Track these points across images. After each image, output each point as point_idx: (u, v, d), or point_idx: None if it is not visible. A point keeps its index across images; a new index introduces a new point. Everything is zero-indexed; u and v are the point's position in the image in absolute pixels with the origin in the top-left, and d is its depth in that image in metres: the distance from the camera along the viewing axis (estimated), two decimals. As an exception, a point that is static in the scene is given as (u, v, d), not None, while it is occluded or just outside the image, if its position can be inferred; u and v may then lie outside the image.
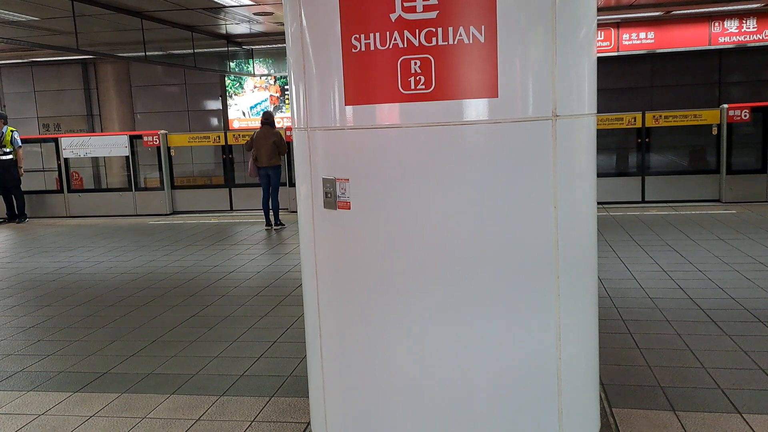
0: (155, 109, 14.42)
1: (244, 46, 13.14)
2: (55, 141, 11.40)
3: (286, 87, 13.94)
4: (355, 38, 2.29)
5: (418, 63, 2.18)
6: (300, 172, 2.66)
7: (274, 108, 13.82)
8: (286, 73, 13.80)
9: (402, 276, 2.36)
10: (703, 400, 3.38)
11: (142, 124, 14.35)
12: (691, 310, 4.86)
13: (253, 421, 3.38)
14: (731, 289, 5.29)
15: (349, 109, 2.37)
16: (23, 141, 11.04)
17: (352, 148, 2.40)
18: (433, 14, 2.14)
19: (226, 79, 14.07)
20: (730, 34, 12.39)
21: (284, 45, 11.38)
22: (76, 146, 11.36)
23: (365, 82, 2.30)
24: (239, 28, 11.78)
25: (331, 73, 2.39)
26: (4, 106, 14.38)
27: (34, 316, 5.51)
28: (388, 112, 2.30)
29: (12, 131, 10.82)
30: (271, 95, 14.00)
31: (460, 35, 2.14)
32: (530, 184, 2.26)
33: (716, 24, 12.22)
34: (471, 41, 2.14)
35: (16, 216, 10.98)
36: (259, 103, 14.03)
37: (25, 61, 13.89)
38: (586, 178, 2.43)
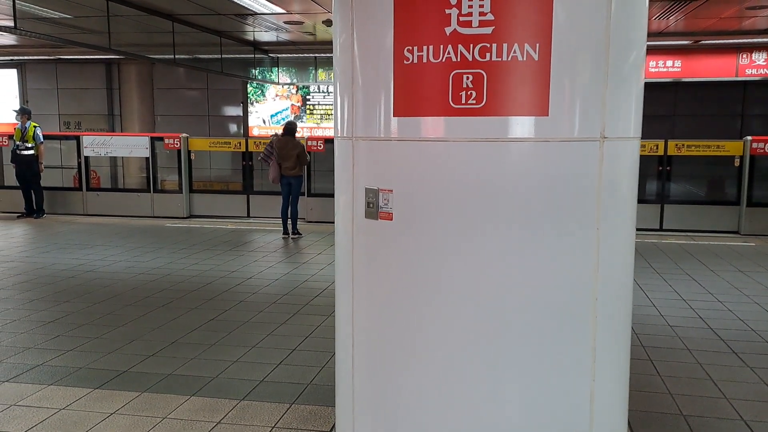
0: (176, 112, 14.54)
1: (270, 54, 13.25)
2: (77, 139, 11.51)
3: (307, 97, 14.04)
4: (408, 50, 2.31)
5: (471, 78, 2.20)
6: (340, 180, 2.67)
7: (294, 117, 13.90)
8: (309, 83, 13.98)
9: (438, 295, 2.36)
10: (727, 431, 3.34)
11: (161, 126, 14.47)
12: (712, 340, 4.82)
13: (274, 427, 3.37)
14: (752, 321, 5.25)
15: (396, 120, 2.39)
16: (45, 137, 11.16)
17: (398, 160, 2.41)
18: (488, 30, 2.16)
19: (248, 86, 14.18)
20: (757, 66, 12.39)
21: (309, 55, 11.50)
22: (97, 145, 11.46)
23: (415, 94, 2.32)
24: (266, 36, 11.91)
25: (380, 84, 2.41)
26: (27, 102, 14.55)
27: (53, 311, 5.54)
28: (435, 126, 2.31)
29: (35, 127, 10.95)
30: (292, 104, 14.09)
31: (515, 52, 2.16)
32: (574, 205, 2.26)
33: (744, 56, 12.22)
34: (525, 59, 2.16)
35: (34, 211, 11.06)
36: (280, 112, 14.12)
37: (51, 58, 14.06)
38: (627, 205, 2.43)
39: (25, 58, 14.41)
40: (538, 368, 2.32)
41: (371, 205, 2.46)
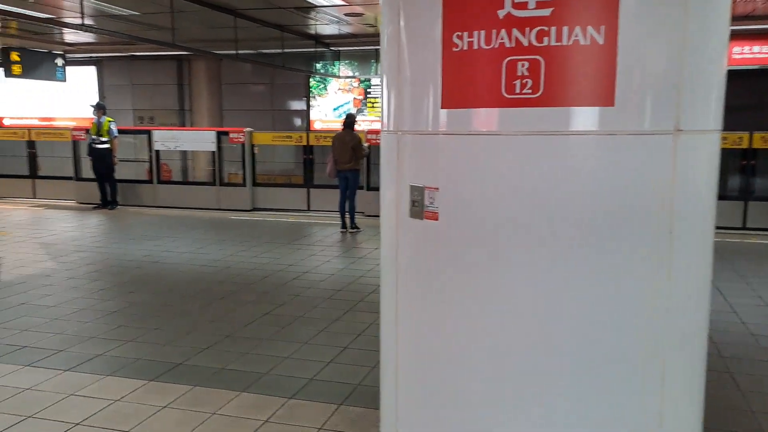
0: (242, 106, 14.79)
1: (332, 47, 13.25)
2: (148, 133, 11.88)
3: (369, 90, 13.98)
4: (457, 36, 2.14)
5: (526, 65, 2.00)
6: (386, 176, 2.53)
7: (356, 111, 13.87)
8: (371, 76, 13.89)
9: (487, 305, 2.18)
10: (820, 457, 3.00)
11: (228, 121, 14.76)
12: (801, 351, 4.40)
13: (321, 428, 3.28)
14: None
15: (444, 112, 2.22)
16: (119, 132, 11.56)
17: (445, 155, 2.25)
18: (546, 11, 1.96)
19: (310, 80, 14.25)
20: None
21: (370, 47, 11.40)
22: (167, 139, 11.79)
23: (464, 83, 2.15)
24: (328, 29, 11.90)
25: (428, 74, 2.25)
26: (104, 98, 15.15)
27: (118, 301, 5.68)
28: (487, 118, 2.13)
29: (110, 122, 11.36)
30: (354, 98, 14.05)
31: (576, 36, 1.95)
32: (643, 206, 2.03)
33: (843, 38, 11.23)
34: (588, 42, 1.94)
35: (108, 202, 11.50)
36: (342, 105, 14.11)
37: (125, 55, 14.58)
38: (705, 206, 2.16)
39: (103, 55, 15.00)
40: (600, 390, 2.10)
41: (416, 204, 2.30)
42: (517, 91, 2.03)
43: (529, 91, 2.01)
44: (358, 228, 9.22)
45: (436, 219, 2.24)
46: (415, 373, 2.44)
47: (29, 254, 7.58)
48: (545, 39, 1.98)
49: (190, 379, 3.91)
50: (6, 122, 16.28)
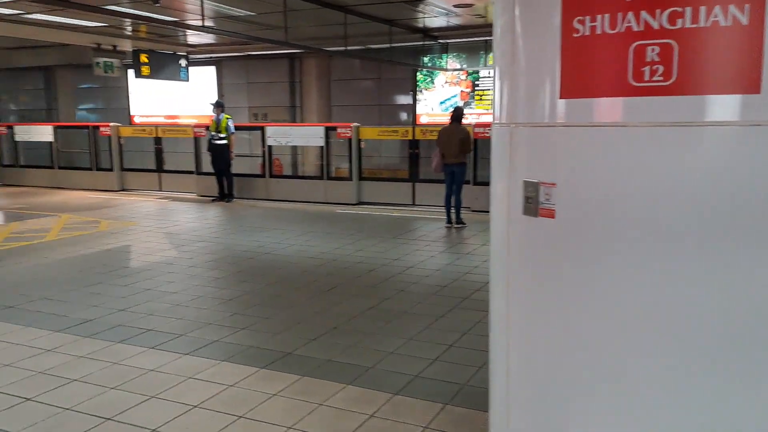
0: (350, 102, 15.06)
1: (440, 40, 13.16)
2: (262, 129, 12.38)
3: (477, 82, 13.74)
4: (578, 21, 2.00)
5: (657, 50, 1.84)
6: (497, 171, 2.43)
7: (463, 104, 13.69)
8: (479, 68, 13.63)
9: (610, 312, 2.04)
10: None
11: (337, 116, 15.09)
12: None
13: (426, 427, 3.24)
14: None
15: (562, 103, 2.09)
16: (235, 128, 12.14)
17: (563, 149, 2.12)
18: (681, -9, 1.79)
19: (417, 74, 14.25)
20: None
21: (479, 38, 11.12)
22: (279, 135, 12.23)
23: (586, 71, 2.01)
24: (436, 21, 11.81)
25: (545, 62, 2.13)
26: (222, 96, 15.98)
27: (233, 290, 5.95)
28: (611, 108, 1.98)
29: (227, 119, 11.95)
30: (462, 90, 13.87)
31: (715, 16, 1.76)
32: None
33: None
34: (729, 23, 1.75)
35: (225, 195, 12.13)
36: (449, 99, 13.97)
37: (242, 54, 15.30)
38: None
39: (221, 55, 15.84)
40: (740, 383, 1.89)
41: (530, 200, 2.19)
42: (647, 78, 1.87)
43: (660, 78, 1.84)
44: (464, 223, 9.09)
45: (552, 217, 2.12)
46: (528, 374, 2.34)
47: (155, 243, 8.13)
48: (679, 21, 1.80)
49: (298, 368, 4.01)
50: (137, 120, 17.61)
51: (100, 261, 7.12)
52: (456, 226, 9.04)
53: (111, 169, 13.75)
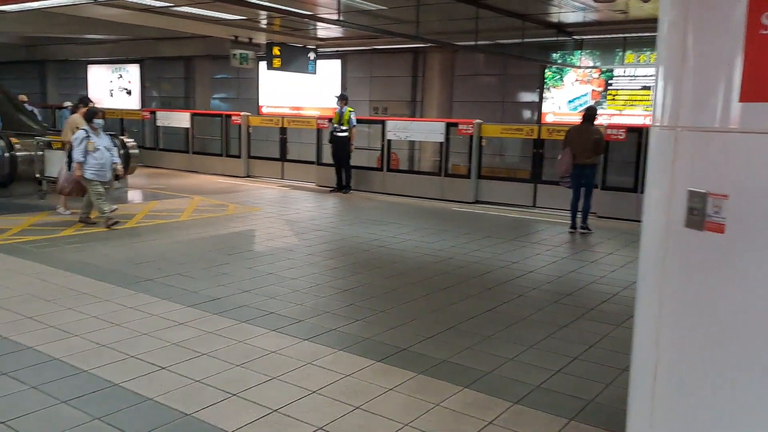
0: (471, 98, 14.85)
1: (574, 36, 12.59)
2: (382, 123, 12.51)
3: (610, 81, 13.02)
4: (767, 17, 1.78)
5: None
6: (654, 177, 2.23)
7: (594, 103, 13.05)
8: (614, 66, 12.91)
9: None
10: None
11: (456, 111, 14.93)
12: None
13: (548, 442, 3.09)
14: None
15: (741, 106, 1.88)
16: (357, 121, 12.36)
17: (739, 157, 1.90)
18: None
19: (545, 71, 13.76)
20: None
21: (617, 35, 10.53)
22: (399, 129, 12.30)
23: (775, 72, 1.78)
24: (572, 17, 11.34)
25: (722, 61, 1.92)
26: (346, 89, 16.33)
27: (349, 280, 6.04)
28: (804, 114, 1.74)
29: (350, 112, 12.19)
30: (593, 89, 13.22)
31: None
32: None
33: None
34: None
35: (342, 187, 12.40)
36: (578, 98, 13.36)
37: (367, 48, 15.54)
38: None
39: (347, 49, 16.19)
40: None
41: (695, 212, 1.99)
42: None
43: None
44: (590, 229, 8.65)
45: (722, 231, 1.91)
46: (680, 399, 2.13)
47: (276, 229, 8.45)
48: None
49: (414, 365, 3.98)
50: (264, 110, 18.44)
51: (227, 242, 7.50)
52: (581, 231, 8.63)
53: (239, 156, 14.49)
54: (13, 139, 9.42)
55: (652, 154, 2.25)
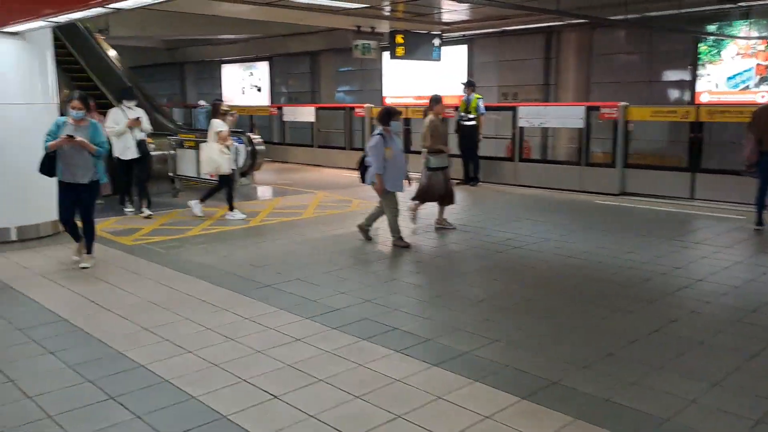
0: (611, 79, 13.42)
1: (740, 3, 10.86)
2: (513, 110, 11.60)
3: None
4: None
5: None
6: None
7: (759, 79, 11.22)
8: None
9: None
10: None
11: (595, 94, 13.58)
12: None
13: None
14: None
15: None
16: (485, 108, 11.55)
17: None
18: None
19: (699, 45, 12.06)
20: None
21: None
22: (533, 116, 11.34)
23: None
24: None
25: None
26: (472, 75, 15.49)
27: (483, 289, 5.37)
28: None
29: (478, 99, 11.41)
30: (758, 64, 11.37)
31: None
32: None
33: None
34: None
35: (470, 179, 11.66)
36: (740, 74, 11.56)
37: (495, 30, 14.56)
38: None
39: (473, 33, 15.29)
40: None
41: None
42: None
43: None
44: (775, 227, 7.28)
45: None
46: None
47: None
48: None
49: (568, 406, 3.24)
50: (387, 101, 18.07)
51: (349, 243, 7.10)
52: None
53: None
54: (148, 139, 9.67)
55: None
